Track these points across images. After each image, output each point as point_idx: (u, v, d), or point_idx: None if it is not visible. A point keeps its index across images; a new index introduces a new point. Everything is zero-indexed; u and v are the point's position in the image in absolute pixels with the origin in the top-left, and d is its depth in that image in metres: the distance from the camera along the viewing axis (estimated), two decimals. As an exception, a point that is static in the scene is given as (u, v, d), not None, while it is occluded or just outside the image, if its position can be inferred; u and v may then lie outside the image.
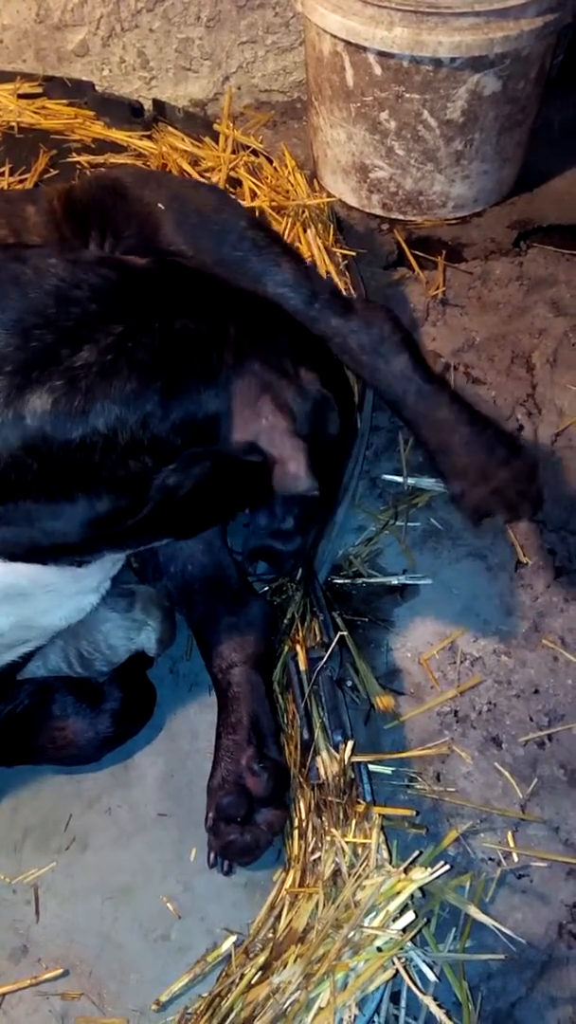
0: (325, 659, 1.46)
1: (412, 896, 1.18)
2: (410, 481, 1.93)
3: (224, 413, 1.18)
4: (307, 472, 1.16)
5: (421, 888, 1.23)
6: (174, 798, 1.50)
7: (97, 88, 2.55)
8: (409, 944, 1.16)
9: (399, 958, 1.14)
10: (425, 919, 1.23)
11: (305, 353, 1.29)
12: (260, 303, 1.34)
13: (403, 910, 1.17)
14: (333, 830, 1.29)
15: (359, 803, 1.33)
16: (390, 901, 1.17)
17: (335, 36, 2.22)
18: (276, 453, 1.17)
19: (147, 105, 2.51)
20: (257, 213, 2.15)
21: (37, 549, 1.17)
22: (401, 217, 2.50)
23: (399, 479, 1.94)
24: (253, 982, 1.21)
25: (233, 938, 1.32)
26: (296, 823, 1.38)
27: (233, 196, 2.17)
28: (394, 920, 1.15)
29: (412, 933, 1.15)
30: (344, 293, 1.48)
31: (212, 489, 1.24)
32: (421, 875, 1.17)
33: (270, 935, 1.30)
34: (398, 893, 1.18)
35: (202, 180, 2.16)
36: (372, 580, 1.80)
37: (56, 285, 1.14)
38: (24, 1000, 1.32)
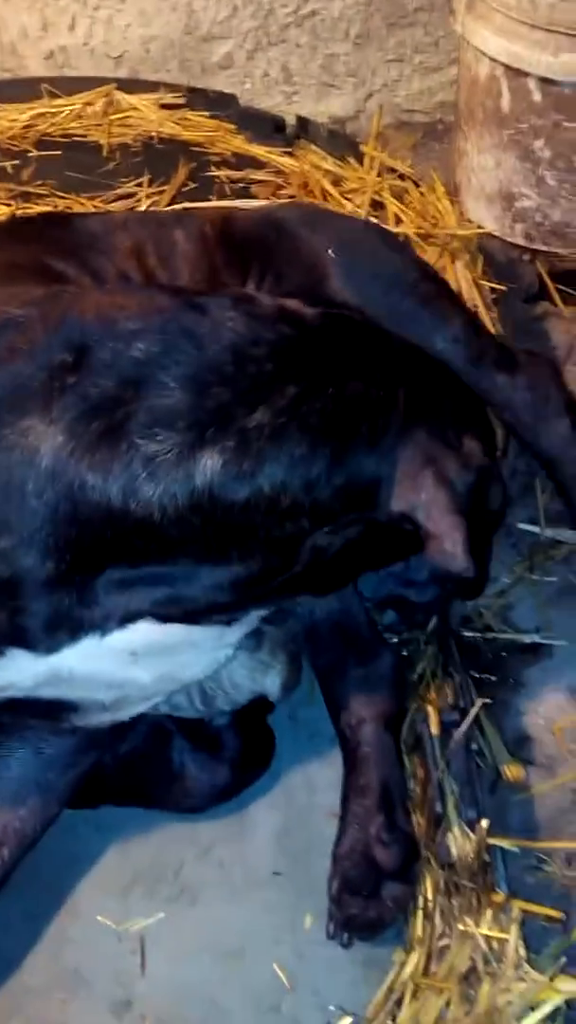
0: (464, 728, 1.37)
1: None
2: (548, 532, 1.82)
3: (385, 481, 1.15)
4: (464, 553, 1.14)
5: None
6: (290, 857, 1.43)
7: (240, 101, 2.52)
8: (550, 1060, 1.07)
9: (540, 1075, 1.05)
10: (568, 1029, 1.13)
11: (470, 420, 1.24)
12: (428, 362, 1.29)
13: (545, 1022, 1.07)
14: (467, 919, 1.20)
15: (495, 892, 1.24)
16: (531, 1010, 1.08)
17: (495, 60, 2.13)
18: (434, 529, 1.15)
19: (289, 121, 2.46)
20: (402, 239, 2.07)
21: (193, 611, 1.13)
22: (544, 248, 2.38)
23: (536, 529, 1.83)
24: (374, 1076, 1.13)
25: (349, 1020, 1.24)
26: (422, 903, 1.30)
27: (376, 221, 2.10)
28: (537, 1033, 1.06)
29: (557, 1052, 1.05)
30: (511, 349, 1.42)
31: (360, 549, 1.20)
32: (569, 986, 1.08)
33: (389, 1022, 1.21)
34: (540, 1002, 1.08)
35: (368, 220, 2.08)
36: (502, 636, 1.70)
37: (233, 341, 1.10)
38: (125, 1059, 1.27)
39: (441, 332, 1.38)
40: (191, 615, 1.15)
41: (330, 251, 1.34)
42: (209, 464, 1.06)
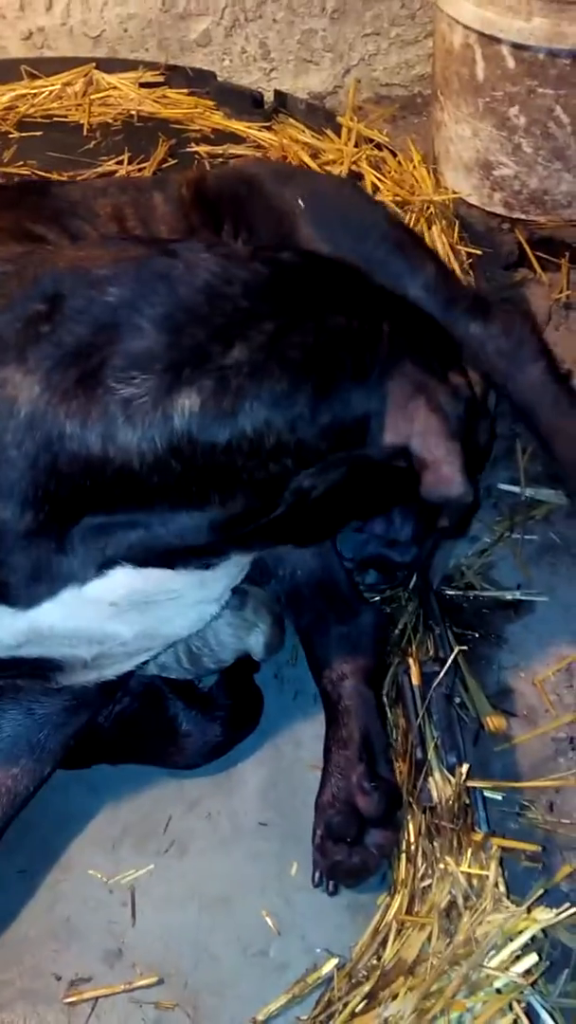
0: (441, 676, 1.39)
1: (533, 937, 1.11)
2: (528, 492, 1.85)
3: (375, 415, 1.12)
4: (462, 477, 1.12)
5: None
6: (276, 808, 1.45)
7: (218, 78, 2.53)
8: (528, 988, 1.09)
9: (519, 1001, 1.07)
10: (548, 962, 1.15)
11: (452, 357, 1.24)
12: (407, 302, 1.28)
13: (525, 951, 1.10)
14: (448, 858, 1.23)
15: (475, 832, 1.26)
16: (510, 940, 1.11)
17: (468, 27, 2.15)
18: (430, 457, 1.13)
19: (268, 96, 2.47)
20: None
21: (169, 552, 1.13)
22: (523, 217, 2.40)
23: (516, 489, 1.85)
24: (358, 1011, 1.16)
25: (335, 961, 1.26)
26: (404, 846, 1.32)
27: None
28: (516, 960, 1.08)
29: (535, 977, 1.08)
30: (484, 297, 1.42)
31: (344, 493, 1.19)
32: (546, 916, 1.10)
33: (374, 962, 1.24)
34: (519, 932, 1.10)
35: (339, 176, 2.09)
36: (484, 593, 1.73)
37: (207, 280, 1.09)
38: (117, 1006, 1.29)
39: (413, 279, 1.37)
40: (168, 557, 1.14)
41: (299, 201, 1.34)
42: (187, 404, 1.04)
